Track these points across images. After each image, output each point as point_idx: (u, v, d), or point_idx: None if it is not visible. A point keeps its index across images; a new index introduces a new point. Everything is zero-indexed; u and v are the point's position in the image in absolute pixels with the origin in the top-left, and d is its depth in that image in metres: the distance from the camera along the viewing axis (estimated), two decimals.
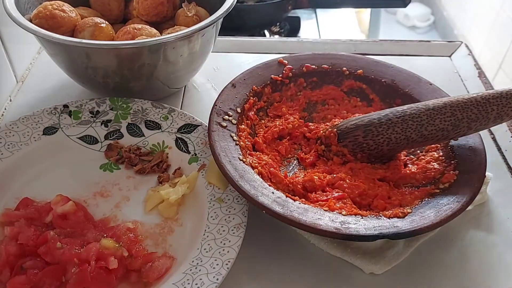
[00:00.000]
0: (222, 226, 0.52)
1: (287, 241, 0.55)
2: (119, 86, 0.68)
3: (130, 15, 0.76)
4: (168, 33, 0.64)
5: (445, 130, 0.55)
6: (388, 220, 0.50)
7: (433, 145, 0.61)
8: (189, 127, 0.64)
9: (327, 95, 0.69)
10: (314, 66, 0.69)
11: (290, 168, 0.61)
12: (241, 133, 0.60)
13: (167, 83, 0.71)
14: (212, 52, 0.73)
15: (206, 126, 0.63)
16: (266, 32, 1.06)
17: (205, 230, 0.53)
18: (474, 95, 0.55)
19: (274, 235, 0.56)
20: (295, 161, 0.62)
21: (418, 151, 0.62)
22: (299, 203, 0.51)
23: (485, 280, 0.53)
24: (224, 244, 0.51)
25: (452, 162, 0.57)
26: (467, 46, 0.91)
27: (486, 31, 1.00)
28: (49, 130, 0.63)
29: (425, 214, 0.50)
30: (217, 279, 0.47)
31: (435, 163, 0.58)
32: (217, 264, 0.49)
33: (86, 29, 0.65)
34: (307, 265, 0.53)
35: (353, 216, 0.51)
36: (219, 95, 0.63)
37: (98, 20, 0.66)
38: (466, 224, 0.58)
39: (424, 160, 0.60)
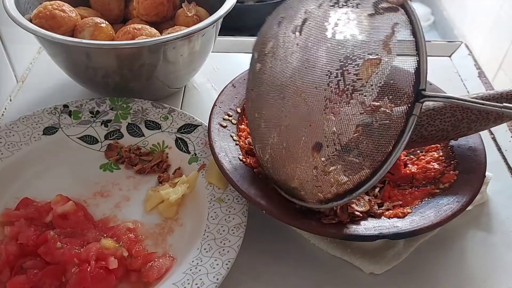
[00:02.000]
0: (222, 226, 0.52)
1: (287, 241, 0.55)
2: (119, 86, 0.68)
3: (130, 15, 0.76)
4: (168, 33, 0.64)
5: (445, 130, 0.55)
6: (388, 220, 0.50)
7: (433, 145, 0.61)
8: (189, 127, 0.64)
9: None
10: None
11: None
12: (241, 133, 0.60)
13: (167, 83, 0.71)
14: (212, 52, 0.73)
15: (206, 126, 0.63)
16: None
17: (205, 230, 0.53)
18: (474, 95, 0.55)
19: (274, 235, 0.56)
20: None
21: (418, 151, 0.62)
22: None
23: (485, 280, 0.53)
24: (224, 244, 0.51)
25: (452, 162, 0.57)
26: (467, 46, 0.91)
27: (486, 31, 1.00)
28: (49, 130, 0.63)
29: (425, 214, 0.50)
30: (217, 279, 0.47)
31: (435, 163, 0.58)
32: (217, 264, 0.49)
33: (86, 29, 0.65)
34: (307, 265, 0.53)
35: None
36: (219, 95, 0.63)
37: (98, 20, 0.66)
38: (466, 224, 0.58)
39: (424, 160, 0.60)
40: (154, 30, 0.67)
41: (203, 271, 0.48)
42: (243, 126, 0.62)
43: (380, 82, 0.43)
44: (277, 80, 0.50)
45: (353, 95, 0.44)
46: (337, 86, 0.44)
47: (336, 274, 0.53)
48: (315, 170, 0.47)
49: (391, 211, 0.52)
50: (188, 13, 0.71)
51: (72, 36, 0.66)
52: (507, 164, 0.67)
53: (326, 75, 0.45)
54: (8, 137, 0.61)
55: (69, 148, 0.64)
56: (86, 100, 0.67)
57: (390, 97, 0.43)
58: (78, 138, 0.64)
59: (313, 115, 0.46)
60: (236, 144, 0.58)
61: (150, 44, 0.60)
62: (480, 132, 0.58)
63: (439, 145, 0.60)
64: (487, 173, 0.56)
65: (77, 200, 0.56)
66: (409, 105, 0.42)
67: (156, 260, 0.51)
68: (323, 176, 0.46)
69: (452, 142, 0.59)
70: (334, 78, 0.44)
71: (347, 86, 0.44)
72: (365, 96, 0.44)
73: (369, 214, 0.51)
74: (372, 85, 0.43)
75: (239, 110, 0.63)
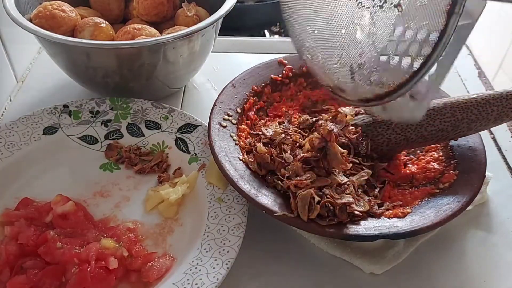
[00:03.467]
0: (222, 226, 0.52)
1: (287, 241, 0.55)
2: (119, 86, 0.68)
3: (130, 15, 0.76)
4: (168, 33, 0.64)
5: (445, 130, 0.55)
6: (388, 220, 0.50)
7: (433, 145, 0.61)
8: (189, 127, 0.65)
9: (327, 94, 0.69)
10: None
11: None
12: (241, 133, 0.60)
13: (167, 83, 0.71)
14: (212, 52, 0.73)
15: (206, 126, 0.63)
16: (266, 32, 1.07)
17: (205, 230, 0.53)
18: (474, 95, 0.55)
19: (274, 235, 0.56)
20: None
21: (418, 151, 0.62)
22: None
23: (485, 280, 0.53)
24: (224, 244, 0.51)
25: (452, 162, 0.57)
26: (467, 46, 0.91)
27: (486, 31, 1.00)
28: (49, 130, 0.63)
29: (425, 214, 0.50)
30: (217, 279, 0.47)
31: (435, 163, 0.58)
32: (217, 264, 0.49)
33: (86, 29, 0.65)
34: (307, 265, 0.53)
35: None
36: (219, 95, 0.63)
37: (98, 20, 0.66)
38: (466, 224, 0.58)
39: (424, 160, 0.60)
40: (154, 30, 0.67)
41: (203, 271, 0.48)
42: (243, 126, 0.62)
43: None
44: None
45: None
46: None
47: (336, 274, 0.53)
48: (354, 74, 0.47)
49: (391, 211, 0.52)
50: (188, 13, 0.71)
51: (72, 36, 0.66)
52: (507, 164, 0.67)
53: None
54: (8, 137, 0.61)
55: (69, 148, 0.64)
56: (86, 100, 0.67)
57: None
58: (78, 138, 0.64)
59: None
60: (236, 144, 0.58)
61: (150, 44, 0.60)
62: (480, 132, 0.58)
63: (439, 145, 0.60)
64: (487, 173, 0.56)
65: (77, 200, 0.56)
66: (450, 2, 0.37)
67: (156, 260, 0.51)
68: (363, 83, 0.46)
69: (452, 142, 0.59)
70: None
71: None
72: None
73: (369, 214, 0.51)
74: None
75: (239, 110, 0.63)
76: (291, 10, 0.54)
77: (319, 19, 0.50)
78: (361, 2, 0.45)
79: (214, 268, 0.48)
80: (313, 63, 0.53)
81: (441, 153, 0.60)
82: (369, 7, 0.44)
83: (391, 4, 0.42)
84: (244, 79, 0.66)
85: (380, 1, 0.43)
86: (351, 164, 0.53)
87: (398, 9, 0.42)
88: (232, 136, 0.59)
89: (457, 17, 0.37)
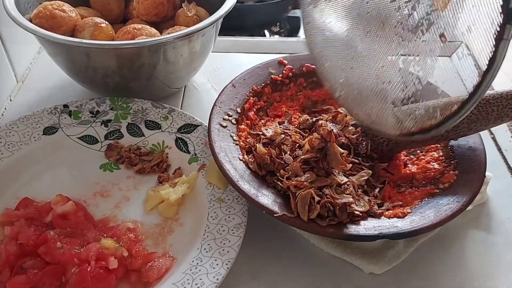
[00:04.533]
0: (222, 226, 0.52)
1: (287, 241, 0.55)
2: (119, 86, 0.68)
3: (130, 15, 0.76)
4: (168, 33, 0.64)
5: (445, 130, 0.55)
6: (388, 220, 0.50)
7: (433, 145, 0.61)
8: (189, 127, 0.65)
9: (327, 94, 0.69)
10: (314, 66, 0.69)
11: None
12: (241, 133, 0.60)
13: (167, 83, 0.71)
14: (212, 52, 0.73)
15: (206, 126, 0.63)
16: (266, 32, 1.07)
17: (205, 230, 0.53)
18: None
19: (274, 235, 0.56)
20: None
21: (418, 151, 0.62)
22: None
23: (485, 280, 0.53)
24: (224, 244, 0.51)
25: (452, 162, 0.57)
26: (467, 46, 0.91)
27: None
28: (49, 130, 0.63)
29: (425, 214, 0.50)
30: (217, 279, 0.47)
31: (435, 163, 0.58)
32: (217, 264, 0.49)
33: (86, 29, 0.65)
34: (307, 265, 0.53)
35: None
36: (219, 95, 0.63)
37: (98, 20, 0.66)
38: (466, 224, 0.58)
39: (424, 160, 0.60)
40: (154, 30, 0.67)
41: (203, 271, 0.48)
42: (243, 126, 0.62)
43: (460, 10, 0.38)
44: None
45: (430, 28, 0.40)
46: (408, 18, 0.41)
47: (336, 274, 0.53)
48: (395, 108, 0.44)
49: (391, 211, 0.52)
50: (188, 13, 0.71)
51: (72, 36, 0.66)
52: (507, 164, 0.67)
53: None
54: (8, 137, 0.61)
55: (69, 148, 0.64)
56: (86, 100, 0.67)
57: (473, 26, 0.37)
58: (78, 138, 0.64)
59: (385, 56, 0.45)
60: (236, 144, 0.58)
61: (150, 44, 0.60)
62: (480, 132, 0.58)
63: (439, 145, 0.60)
64: (487, 173, 0.56)
65: (77, 200, 0.56)
66: (497, 29, 0.35)
67: (156, 260, 0.51)
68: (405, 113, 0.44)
69: (452, 142, 0.59)
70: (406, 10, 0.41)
71: (421, 21, 0.40)
72: (444, 28, 0.39)
73: (369, 214, 0.51)
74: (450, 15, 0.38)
75: (239, 110, 0.63)
76: (320, 46, 0.52)
77: (353, 55, 0.49)
78: (401, 35, 0.43)
79: (214, 268, 0.48)
80: (348, 101, 0.51)
81: (441, 153, 0.59)
82: (410, 40, 0.43)
83: (435, 34, 0.40)
84: (244, 79, 0.66)
85: (423, 33, 0.41)
86: (350, 165, 0.53)
87: (441, 39, 0.40)
88: (232, 136, 0.59)
89: (506, 43, 0.34)
